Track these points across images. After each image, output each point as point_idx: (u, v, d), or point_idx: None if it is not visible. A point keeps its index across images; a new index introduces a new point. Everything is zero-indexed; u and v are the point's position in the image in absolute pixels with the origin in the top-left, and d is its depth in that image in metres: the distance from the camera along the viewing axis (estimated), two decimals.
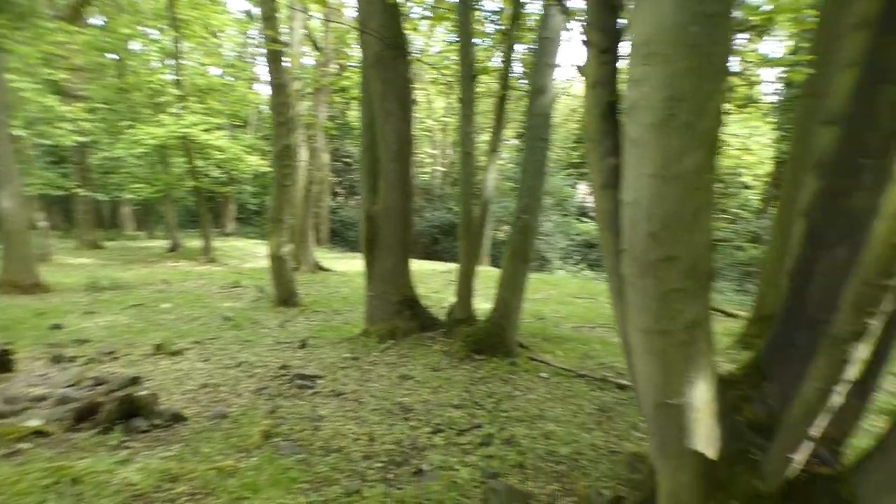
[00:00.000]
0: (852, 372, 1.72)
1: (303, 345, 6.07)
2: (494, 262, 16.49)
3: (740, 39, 17.96)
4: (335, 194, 25.46)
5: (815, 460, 2.42)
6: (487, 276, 9.41)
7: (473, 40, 6.17)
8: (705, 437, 2.01)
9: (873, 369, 2.66)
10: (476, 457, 3.27)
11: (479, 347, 5.55)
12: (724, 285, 16.25)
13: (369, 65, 6.21)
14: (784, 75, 13.82)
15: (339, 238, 23.75)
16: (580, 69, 2.62)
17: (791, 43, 14.88)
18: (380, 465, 3.18)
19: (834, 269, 2.26)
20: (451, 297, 6.50)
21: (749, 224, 19.14)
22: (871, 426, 2.20)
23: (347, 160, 25.30)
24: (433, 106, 24.89)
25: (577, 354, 5.92)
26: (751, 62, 17.96)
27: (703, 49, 1.52)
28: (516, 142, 21.63)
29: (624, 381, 4.77)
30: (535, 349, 5.93)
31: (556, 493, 2.84)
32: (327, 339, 6.37)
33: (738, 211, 20.20)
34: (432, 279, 12.44)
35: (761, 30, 16.69)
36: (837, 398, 1.80)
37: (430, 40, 18.35)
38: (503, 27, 8.06)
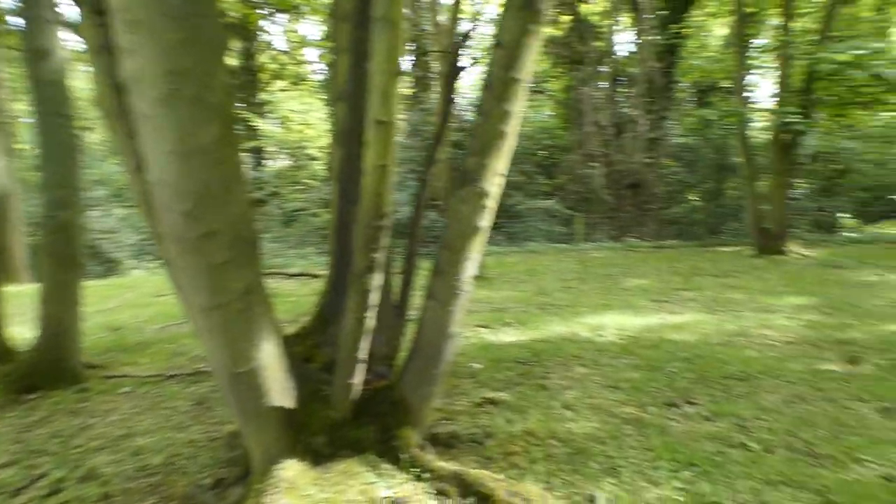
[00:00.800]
0: (375, 299, 2.14)
1: None
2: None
3: (280, 20, 19.19)
4: None
5: (373, 377, 2.97)
6: (28, 295, 7.47)
7: None
8: (280, 392, 2.18)
9: (405, 293, 3.41)
10: None
11: (29, 384, 4.37)
12: (308, 250, 17.77)
13: None
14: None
15: None
16: (77, 30, 2.26)
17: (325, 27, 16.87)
18: None
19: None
20: None
21: (319, 192, 21.30)
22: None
23: None
24: None
25: (165, 356, 5.42)
26: (296, 42, 19.52)
27: (191, 22, 1.52)
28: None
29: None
30: (111, 365, 5.11)
31: None
32: None
33: (308, 181, 22.19)
34: None
35: (297, 12, 18.21)
36: (371, 322, 2.21)
37: None
38: None
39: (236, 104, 16.78)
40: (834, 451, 2.73)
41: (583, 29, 16.77)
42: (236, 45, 16.81)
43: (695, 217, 17.21)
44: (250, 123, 16.36)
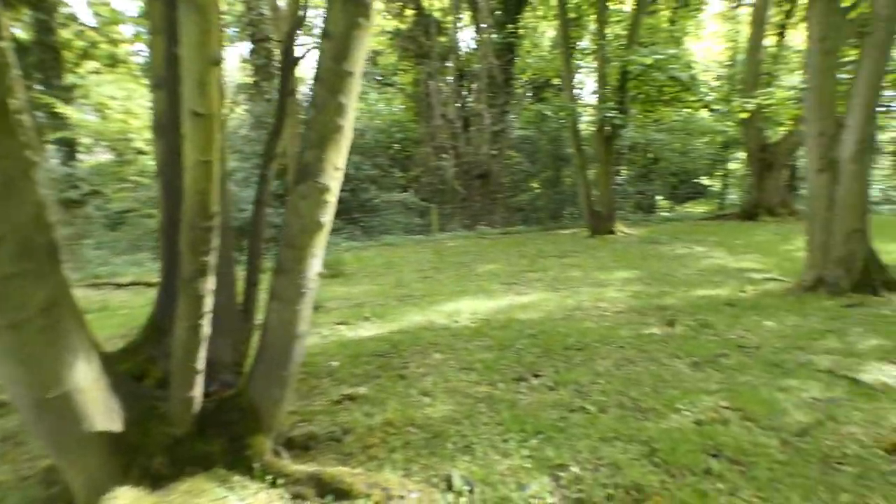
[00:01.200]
0: (209, 304, 1.99)
1: None
2: None
3: None
4: None
5: (219, 387, 2.78)
6: None
7: None
8: (103, 414, 1.94)
9: (250, 295, 3.23)
10: None
11: None
12: (141, 256, 15.82)
13: None
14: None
15: None
16: None
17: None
18: None
19: None
20: None
21: (151, 190, 19.03)
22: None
23: None
24: None
25: None
26: (105, 17, 17.06)
27: None
28: None
29: None
30: None
31: None
32: None
33: (137, 178, 19.68)
34: None
35: None
36: (206, 329, 2.05)
37: None
38: None
39: (34, 86, 14.29)
40: (656, 405, 3.16)
41: (427, 24, 17.15)
42: (25, 15, 14.23)
43: (537, 204, 18.70)
44: (54, 110, 13.96)
